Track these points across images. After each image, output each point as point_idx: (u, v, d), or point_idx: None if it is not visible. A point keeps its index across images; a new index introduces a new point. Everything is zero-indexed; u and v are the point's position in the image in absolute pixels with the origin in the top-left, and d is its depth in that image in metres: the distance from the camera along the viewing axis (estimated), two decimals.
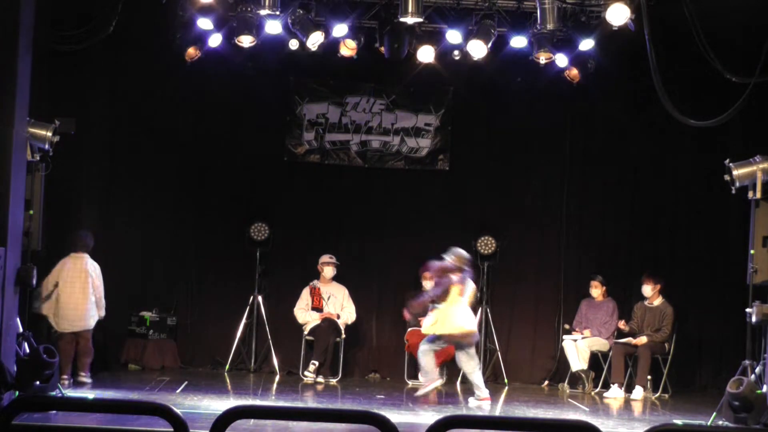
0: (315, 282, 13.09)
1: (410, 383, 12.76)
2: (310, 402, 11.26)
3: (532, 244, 13.61)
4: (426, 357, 11.31)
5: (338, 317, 12.93)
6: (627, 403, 12.06)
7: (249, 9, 11.56)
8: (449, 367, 12.30)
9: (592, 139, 13.69)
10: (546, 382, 13.27)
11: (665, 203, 13.57)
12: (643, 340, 12.49)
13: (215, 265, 13.46)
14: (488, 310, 13.23)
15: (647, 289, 12.67)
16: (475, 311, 13.05)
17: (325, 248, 13.19)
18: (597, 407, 11.55)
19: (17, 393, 9.09)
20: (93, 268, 11.53)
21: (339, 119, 13.65)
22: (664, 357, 12.58)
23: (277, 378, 12.88)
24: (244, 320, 13.13)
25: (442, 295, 11.20)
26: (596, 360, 12.84)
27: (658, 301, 12.70)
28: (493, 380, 13.24)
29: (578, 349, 12.73)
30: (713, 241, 13.37)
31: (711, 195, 12.94)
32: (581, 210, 13.65)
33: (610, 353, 12.65)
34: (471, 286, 11.39)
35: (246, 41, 11.84)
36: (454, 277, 11.19)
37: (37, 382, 9.39)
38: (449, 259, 11.22)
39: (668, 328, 12.56)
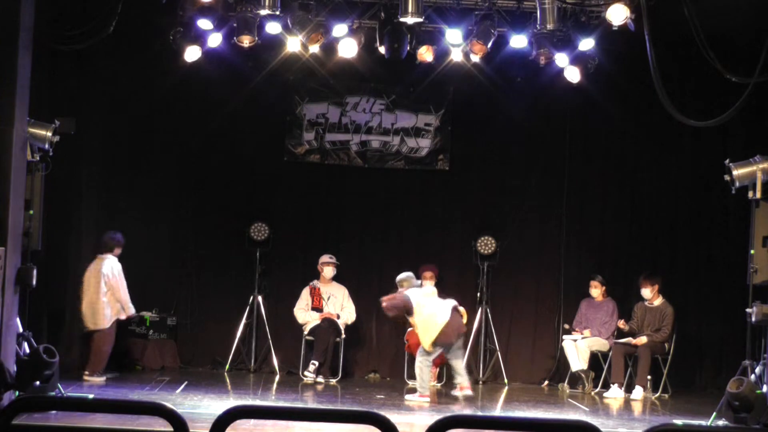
0: (315, 282, 13.10)
1: (410, 383, 12.74)
2: (310, 402, 11.26)
3: (532, 244, 13.61)
4: (425, 370, 11.43)
5: (338, 317, 12.94)
6: (627, 403, 12.06)
7: (249, 9, 11.56)
8: (448, 368, 12.29)
9: (592, 139, 13.69)
10: (546, 382, 13.27)
11: (665, 203, 13.57)
12: (643, 340, 12.49)
13: (215, 266, 13.46)
14: (488, 310, 13.23)
15: (646, 292, 12.68)
16: (475, 311, 13.11)
17: (325, 248, 13.19)
18: (597, 407, 11.55)
19: (17, 393, 9.10)
20: (109, 269, 11.74)
21: (339, 119, 13.66)
22: (664, 357, 12.58)
23: (277, 378, 12.88)
24: (244, 320, 13.13)
25: (403, 312, 11.63)
26: (596, 360, 12.84)
27: (658, 301, 12.70)
28: (493, 380, 13.26)
29: (578, 349, 12.73)
30: (713, 241, 13.37)
31: (711, 195, 12.95)
32: (581, 210, 13.65)
33: (610, 353, 12.65)
34: (422, 292, 11.74)
35: (246, 41, 11.84)
36: (405, 294, 11.66)
37: (37, 382, 9.39)
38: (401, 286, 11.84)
39: (668, 328, 12.56)
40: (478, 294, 13.22)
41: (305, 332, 12.90)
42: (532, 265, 13.61)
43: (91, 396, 10.07)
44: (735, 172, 10.14)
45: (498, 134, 13.66)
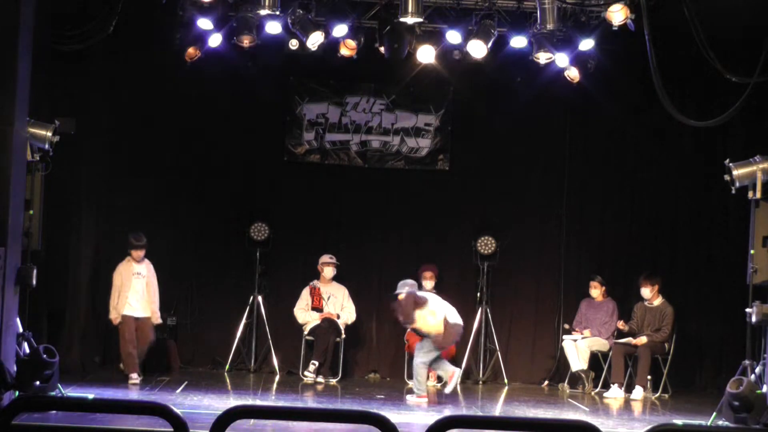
0: (315, 282, 13.09)
1: (410, 383, 12.75)
2: (310, 402, 11.27)
3: (532, 244, 13.61)
4: (422, 371, 11.43)
5: (338, 317, 12.94)
6: (627, 403, 12.06)
7: (249, 9, 11.56)
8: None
9: (592, 139, 13.69)
10: (546, 382, 13.27)
11: (665, 203, 13.57)
12: (643, 340, 12.49)
13: (215, 266, 13.45)
14: (488, 310, 13.23)
15: (646, 292, 12.68)
16: (474, 311, 13.11)
17: (325, 248, 13.19)
18: (597, 407, 11.55)
19: (17, 393, 9.09)
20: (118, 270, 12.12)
21: (339, 119, 13.66)
22: (664, 357, 12.58)
23: (277, 378, 12.88)
24: (244, 320, 13.13)
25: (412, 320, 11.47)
26: (596, 360, 12.84)
27: (658, 301, 12.70)
28: (493, 380, 13.26)
29: (578, 349, 12.73)
30: (713, 241, 13.37)
31: (711, 195, 12.94)
32: (581, 210, 13.65)
33: (610, 353, 12.65)
34: (428, 301, 11.56)
35: (246, 41, 11.84)
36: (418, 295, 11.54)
37: (37, 382, 9.39)
38: (403, 291, 11.50)
39: (668, 328, 12.56)
40: (478, 294, 13.22)
41: (305, 332, 12.89)
42: (532, 265, 13.60)
43: (91, 396, 10.07)
44: (735, 172, 10.14)
45: (498, 134, 13.66)
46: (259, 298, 13.20)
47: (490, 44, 11.88)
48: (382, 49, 12.01)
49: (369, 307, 13.45)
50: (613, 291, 13.18)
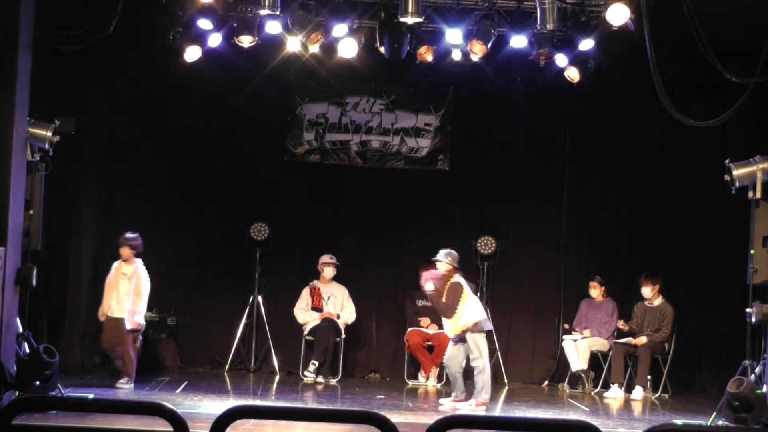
0: (315, 282, 13.10)
1: (410, 383, 12.76)
2: (310, 402, 11.27)
3: (532, 244, 13.61)
4: (457, 370, 11.08)
5: (338, 317, 12.94)
6: (627, 403, 12.06)
7: (249, 9, 11.55)
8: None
9: (592, 139, 13.69)
10: (546, 382, 13.27)
11: (665, 203, 13.57)
12: (642, 340, 12.49)
13: (215, 265, 13.45)
14: (488, 310, 13.20)
15: (647, 291, 12.68)
16: None
17: (325, 248, 13.19)
18: (597, 407, 11.55)
19: (17, 393, 9.09)
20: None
21: (339, 119, 13.66)
22: (664, 357, 12.58)
23: (277, 378, 12.88)
24: (244, 320, 13.13)
25: (453, 309, 11.00)
26: (596, 360, 12.85)
27: (658, 301, 12.70)
28: (492, 380, 13.22)
29: (578, 349, 12.73)
30: (713, 241, 13.38)
31: (711, 195, 12.94)
32: (581, 210, 13.65)
33: (610, 353, 12.66)
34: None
35: (246, 41, 11.83)
36: (459, 279, 11.12)
37: (37, 382, 9.39)
38: (446, 261, 11.09)
39: (668, 328, 12.57)
40: (478, 294, 13.20)
41: (305, 332, 12.90)
42: (532, 265, 13.60)
43: (91, 396, 10.07)
44: (735, 172, 10.14)
45: (498, 134, 13.67)
46: (259, 298, 13.20)
47: (490, 44, 11.88)
48: (382, 49, 12.01)
49: (369, 307, 13.45)
50: (613, 291, 13.19)
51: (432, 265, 11.17)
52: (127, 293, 11.45)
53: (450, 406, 11.01)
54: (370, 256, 13.63)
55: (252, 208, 13.42)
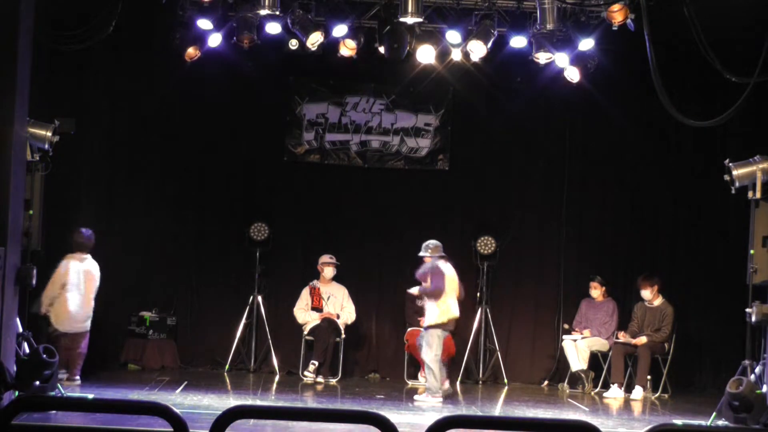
0: (315, 282, 13.09)
1: (410, 383, 12.76)
2: (309, 402, 11.27)
3: (532, 243, 13.61)
4: (436, 365, 11.31)
5: (338, 317, 12.94)
6: (627, 403, 12.06)
7: (249, 9, 11.56)
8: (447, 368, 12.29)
9: (592, 139, 13.69)
10: (546, 382, 13.27)
11: (665, 203, 13.57)
12: (642, 340, 12.49)
13: (215, 265, 13.45)
14: (488, 310, 13.23)
15: (646, 294, 12.68)
16: (474, 311, 13.12)
17: (325, 248, 13.18)
18: (597, 407, 11.55)
19: (17, 393, 9.09)
20: (96, 270, 11.58)
21: (339, 119, 13.66)
22: (663, 357, 12.58)
23: (277, 378, 12.88)
24: (243, 320, 13.13)
25: (440, 288, 11.35)
26: (596, 360, 12.85)
27: (658, 301, 12.70)
28: (493, 380, 13.25)
29: (578, 349, 12.73)
30: (713, 241, 13.37)
31: (711, 195, 12.94)
32: (581, 210, 13.65)
33: (610, 353, 12.66)
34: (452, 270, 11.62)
35: (246, 41, 11.84)
36: (444, 267, 11.44)
37: (37, 382, 9.38)
38: (427, 254, 11.54)
39: (668, 328, 12.56)
40: (478, 294, 13.22)
41: (305, 332, 12.90)
42: (532, 265, 13.60)
43: (91, 396, 10.07)
44: (735, 172, 10.14)
45: (498, 134, 13.66)
46: (259, 298, 13.20)
47: (490, 44, 11.88)
48: (382, 49, 12.01)
49: (369, 307, 13.45)
50: (613, 291, 13.19)
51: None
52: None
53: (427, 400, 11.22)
54: (370, 257, 13.63)
55: (252, 208, 13.41)
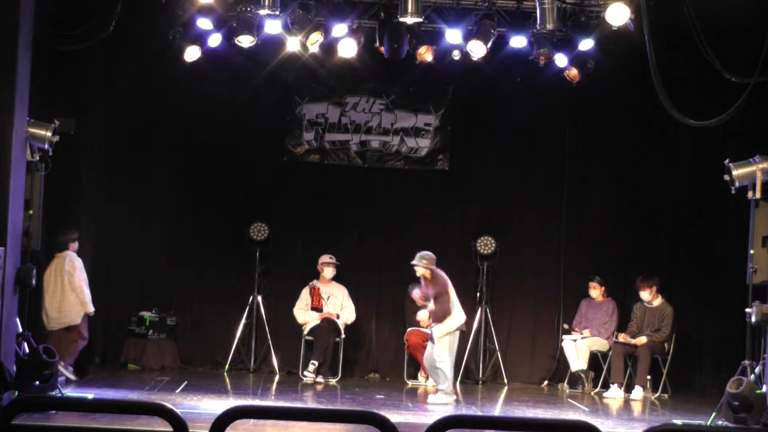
0: (314, 282, 13.09)
1: (410, 383, 12.77)
2: (309, 402, 11.27)
3: (532, 244, 13.61)
4: (449, 368, 11.34)
5: (338, 317, 12.93)
6: (626, 403, 12.07)
7: (249, 9, 11.55)
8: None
9: (592, 139, 13.69)
10: (545, 382, 13.27)
11: (665, 203, 13.57)
12: (642, 340, 12.49)
13: (215, 265, 13.45)
14: (488, 310, 13.23)
15: (645, 295, 12.68)
16: (474, 311, 13.12)
17: (325, 248, 13.18)
18: (597, 407, 11.55)
19: (17, 393, 9.09)
20: (69, 265, 11.49)
21: (339, 119, 13.65)
22: (663, 357, 12.58)
23: (277, 378, 12.88)
24: (243, 320, 13.12)
25: (445, 300, 11.31)
26: (596, 360, 12.85)
27: (658, 301, 12.70)
28: (492, 380, 13.25)
29: (578, 349, 12.73)
30: (713, 241, 13.37)
31: (711, 195, 12.94)
32: (581, 210, 13.65)
33: (610, 353, 12.66)
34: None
35: (246, 41, 11.82)
36: (444, 278, 11.43)
37: (37, 382, 9.38)
38: (422, 264, 11.43)
39: (668, 328, 12.57)
40: (478, 294, 13.22)
41: (305, 332, 12.90)
42: (532, 265, 13.60)
43: (91, 396, 10.07)
44: (735, 172, 10.14)
45: (498, 134, 13.66)
46: (259, 298, 13.20)
47: (489, 44, 11.88)
48: (382, 49, 12.01)
49: (369, 307, 13.45)
50: (612, 291, 13.19)
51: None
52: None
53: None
54: (369, 256, 13.63)
55: (252, 208, 13.41)
